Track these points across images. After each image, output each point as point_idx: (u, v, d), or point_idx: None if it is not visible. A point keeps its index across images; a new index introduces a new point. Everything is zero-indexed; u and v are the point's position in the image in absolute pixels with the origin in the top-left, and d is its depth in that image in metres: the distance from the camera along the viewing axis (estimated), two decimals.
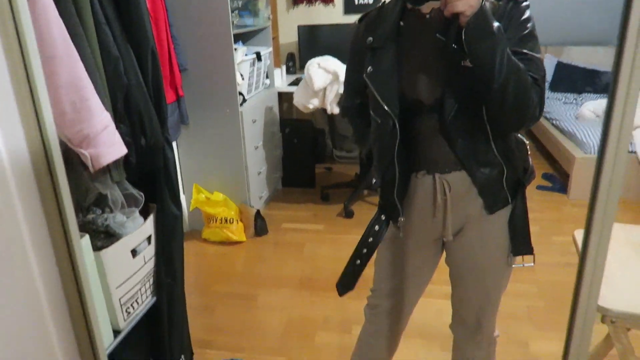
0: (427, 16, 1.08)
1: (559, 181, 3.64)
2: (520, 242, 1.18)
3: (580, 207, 3.26)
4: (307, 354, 1.96)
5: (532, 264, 1.22)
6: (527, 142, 1.20)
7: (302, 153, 3.65)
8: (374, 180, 1.25)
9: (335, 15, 3.98)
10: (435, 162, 1.14)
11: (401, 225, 1.20)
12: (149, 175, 1.50)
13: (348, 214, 3.22)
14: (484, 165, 1.11)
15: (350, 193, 3.37)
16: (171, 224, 1.52)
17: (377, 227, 1.24)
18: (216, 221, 2.86)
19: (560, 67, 4.75)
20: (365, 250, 1.25)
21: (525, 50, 1.01)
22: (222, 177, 2.94)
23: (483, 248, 1.20)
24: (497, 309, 1.32)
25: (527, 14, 1.03)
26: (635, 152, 3.21)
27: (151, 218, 1.49)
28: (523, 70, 0.97)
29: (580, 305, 0.73)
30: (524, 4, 1.04)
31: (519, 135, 1.17)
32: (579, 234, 1.35)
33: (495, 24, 0.95)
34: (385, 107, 1.10)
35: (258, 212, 2.99)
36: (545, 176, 3.78)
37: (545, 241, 2.81)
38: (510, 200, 1.16)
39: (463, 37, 0.95)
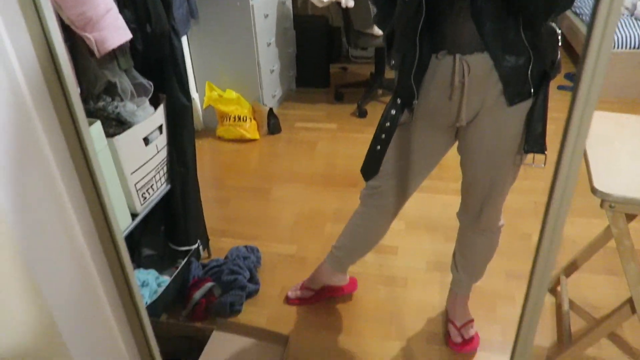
0: None
1: None
2: (534, 140, 1.15)
3: (601, 104, 3.17)
4: (316, 242, 2.07)
5: (543, 166, 1.17)
6: (559, 31, 1.11)
7: (317, 52, 3.55)
8: (392, 62, 1.20)
9: None
10: (459, 41, 1.08)
11: (415, 107, 1.19)
12: (158, 66, 1.50)
13: (361, 113, 3.20)
14: (510, 53, 1.06)
15: (364, 92, 3.33)
16: (181, 114, 1.55)
17: (393, 111, 1.23)
18: (230, 119, 2.88)
19: None
20: (383, 136, 1.25)
21: None
22: (234, 75, 2.91)
23: (495, 138, 1.18)
24: (503, 201, 1.35)
25: None
26: None
27: (161, 108, 1.51)
28: None
29: (560, 176, 0.72)
30: None
31: (552, 23, 1.10)
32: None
33: None
34: None
35: (271, 110, 2.99)
36: (568, 76, 3.65)
37: (559, 140, 2.78)
38: (532, 94, 1.11)
39: None
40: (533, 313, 0.87)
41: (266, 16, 2.93)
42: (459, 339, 1.56)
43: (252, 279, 1.81)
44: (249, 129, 2.90)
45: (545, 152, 1.16)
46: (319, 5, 2.99)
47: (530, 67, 1.07)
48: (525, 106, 1.13)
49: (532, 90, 1.10)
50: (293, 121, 3.16)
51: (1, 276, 0.75)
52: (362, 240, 1.55)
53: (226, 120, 2.88)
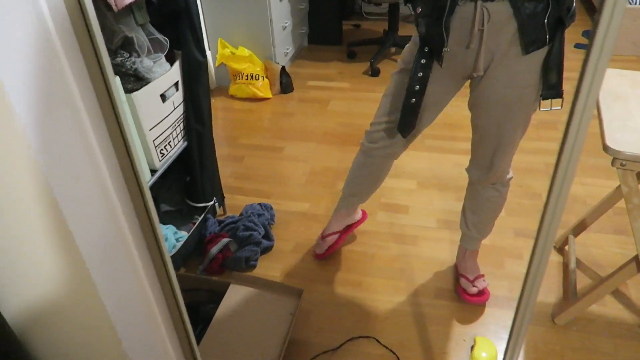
0: None
1: None
2: (551, 86, 1.17)
3: (618, 62, 3.12)
4: (328, 200, 2.11)
5: (560, 107, 1.18)
6: None
7: (329, 8, 3.49)
8: (418, 9, 1.18)
9: None
10: None
11: (445, 55, 1.18)
12: (173, 21, 1.50)
13: (374, 72, 3.18)
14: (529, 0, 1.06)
15: (377, 51, 3.29)
16: (196, 70, 1.56)
17: (423, 61, 1.21)
18: (242, 77, 2.87)
19: None
20: (417, 87, 1.24)
21: None
22: (246, 31, 2.88)
23: (510, 87, 1.19)
24: (513, 152, 1.36)
25: None
26: None
27: (177, 64, 1.52)
28: None
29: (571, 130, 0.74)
30: None
31: None
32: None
33: None
34: None
35: (283, 68, 2.97)
36: (585, 34, 3.57)
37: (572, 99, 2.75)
38: (547, 42, 1.12)
39: None
40: (538, 268, 0.90)
41: None
42: (473, 290, 1.61)
43: (267, 235, 1.86)
44: (262, 88, 2.90)
45: (562, 96, 1.16)
46: None
47: (548, 13, 1.07)
48: (540, 55, 1.13)
49: (547, 37, 1.10)
50: (305, 80, 3.15)
51: (36, 224, 0.79)
52: (373, 183, 1.62)
53: (239, 78, 2.88)
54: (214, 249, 1.75)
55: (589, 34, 3.49)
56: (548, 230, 0.84)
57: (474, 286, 1.61)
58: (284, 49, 3.12)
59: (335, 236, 1.80)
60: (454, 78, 1.26)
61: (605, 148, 1.11)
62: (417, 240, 1.88)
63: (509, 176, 1.44)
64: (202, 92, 1.61)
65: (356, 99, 2.92)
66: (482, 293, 1.61)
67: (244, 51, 2.87)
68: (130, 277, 0.84)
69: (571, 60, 3.34)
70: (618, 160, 1.11)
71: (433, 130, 2.48)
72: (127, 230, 0.79)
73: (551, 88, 1.17)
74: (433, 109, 1.34)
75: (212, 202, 1.88)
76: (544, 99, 1.19)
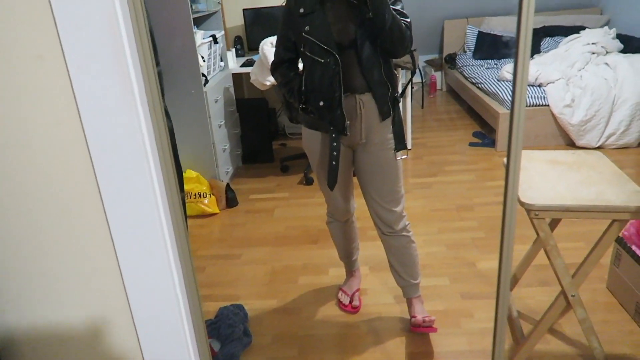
0: None
1: (488, 137, 4.14)
2: (399, 140, 1.78)
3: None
4: (294, 293, 2.28)
5: (407, 156, 1.81)
6: (398, 75, 1.68)
7: (260, 130, 3.91)
8: (320, 103, 1.69)
9: None
10: (355, 86, 1.69)
11: (347, 127, 1.70)
12: None
13: (308, 181, 3.54)
14: (380, 86, 1.69)
15: (308, 163, 3.68)
16: None
17: (334, 143, 1.73)
18: (190, 197, 3.08)
19: (481, 36, 5.26)
20: (334, 157, 1.75)
21: (397, 7, 1.64)
22: (193, 155, 3.16)
23: (379, 145, 1.76)
24: (398, 201, 1.83)
25: None
26: (548, 105, 3.75)
27: None
28: (398, 18, 1.59)
29: (508, 197, 1.07)
30: None
31: (394, 69, 1.79)
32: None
33: None
34: (328, 49, 1.62)
35: (228, 185, 3.24)
36: (476, 134, 4.27)
37: (481, 186, 3.27)
38: (391, 112, 1.75)
39: (369, 2, 1.53)
40: (501, 323, 1.18)
41: (216, 101, 3.26)
42: (422, 322, 1.88)
43: (245, 332, 1.97)
44: (209, 204, 3.11)
45: (407, 148, 1.80)
46: (262, 88, 3.38)
47: (389, 94, 1.72)
48: (388, 122, 1.76)
49: (391, 110, 1.75)
50: (247, 194, 3.42)
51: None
52: (347, 244, 2.15)
53: (187, 197, 3.08)
54: None
55: (479, 134, 4.14)
56: (504, 294, 1.12)
57: (423, 321, 1.88)
58: (225, 168, 3.42)
59: (358, 293, 2.22)
60: (349, 146, 1.81)
61: (522, 203, 1.47)
62: (381, 315, 2.09)
63: (402, 225, 1.87)
64: None
65: (298, 205, 3.22)
66: (432, 323, 1.89)
67: (191, 173, 3.12)
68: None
69: (469, 155, 3.95)
70: (532, 211, 1.46)
71: (371, 222, 2.81)
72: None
73: (400, 142, 1.78)
74: (348, 174, 1.91)
75: None
76: (397, 151, 1.78)
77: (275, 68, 1.85)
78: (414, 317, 1.93)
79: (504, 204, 1.10)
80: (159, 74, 1.66)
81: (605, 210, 1.41)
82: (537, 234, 1.57)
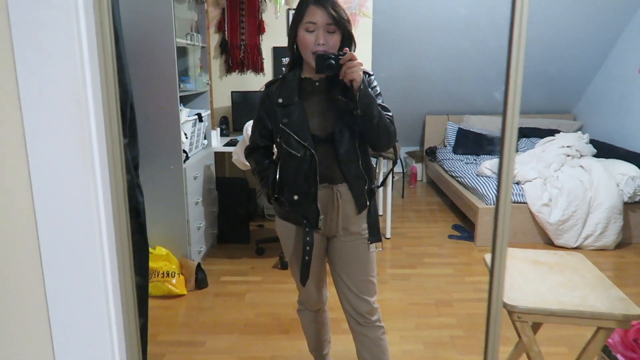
0: (317, 83, 1.65)
1: (467, 231, 4.13)
2: (373, 232, 1.74)
3: (485, 252, 3.72)
4: None
5: (381, 249, 1.75)
6: (379, 159, 1.69)
7: (238, 210, 3.83)
8: (295, 197, 1.66)
9: (265, 82, 4.34)
10: (332, 177, 1.66)
11: (321, 222, 1.67)
12: None
13: (284, 265, 3.42)
14: (357, 180, 1.67)
15: None
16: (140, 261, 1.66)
17: (307, 238, 1.68)
18: (158, 275, 2.93)
19: (461, 132, 5.44)
20: (307, 252, 1.69)
21: (380, 102, 1.62)
22: (164, 232, 3.04)
23: (356, 237, 1.72)
24: (371, 291, 1.78)
25: (374, 82, 1.68)
26: (526, 203, 3.78)
27: None
28: (384, 114, 1.59)
29: (493, 299, 1.00)
30: (372, 76, 1.68)
31: (373, 159, 1.81)
32: (489, 257, 1.69)
33: (369, 90, 1.56)
34: (304, 143, 1.61)
35: (199, 265, 3.10)
36: (455, 227, 4.26)
37: (460, 281, 3.18)
38: (367, 204, 1.71)
39: (357, 99, 1.52)
40: None
41: (195, 178, 3.21)
42: None
43: None
44: (177, 284, 2.95)
45: (382, 241, 1.75)
46: (243, 168, 3.36)
47: (366, 187, 1.69)
48: (364, 214, 1.72)
49: (367, 201, 1.71)
50: (218, 275, 3.27)
51: None
52: (317, 336, 2.05)
53: (154, 276, 2.92)
54: None
55: (457, 227, 4.16)
56: None
57: None
58: (198, 247, 3.29)
59: None
60: (321, 241, 1.76)
61: (504, 305, 1.40)
62: None
63: (376, 317, 1.80)
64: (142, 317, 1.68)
65: (271, 290, 3.07)
66: None
67: (161, 250, 2.99)
68: None
69: (447, 248, 3.90)
70: (515, 313, 1.38)
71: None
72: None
73: (374, 234, 1.74)
74: (321, 264, 1.84)
75: None
76: (370, 243, 1.73)
77: (249, 153, 1.83)
78: None
79: (488, 307, 1.02)
80: (134, 149, 1.62)
81: (591, 317, 1.34)
82: (519, 337, 1.48)
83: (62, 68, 0.75)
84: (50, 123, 0.76)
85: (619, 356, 1.85)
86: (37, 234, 0.81)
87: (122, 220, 0.81)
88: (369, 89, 1.57)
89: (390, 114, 1.65)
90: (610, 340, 1.91)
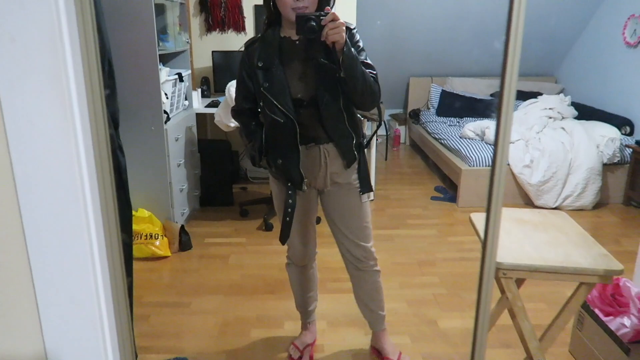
0: (297, 42, 1.60)
1: (449, 192, 4.17)
2: (364, 184, 1.77)
3: (467, 213, 3.77)
4: (245, 348, 2.12)
5: (373, 198, 1.78)
6: (362, 119, 1.67)
7: (220, 172, 3.79)
8: (278, 161, 1.69)
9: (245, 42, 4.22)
10: (317, 137, 1.66)
11: (305, 184, 1.71)
12: None
13: (268, 226, 3.41)
14: (344, 138, 1.68)
15: (269, 208, 3.57)
16: (124, 223, 1.63)
17: (290, 201, 1.71)
18: (141, 237, 2.90)
19: (444, 94, 5.42)
20: (289, 211, 1.72)
21: (362, 59, 1.58)
22: (147, 194, 3.00)
23: (345, 189, 1.76)
24: (366, 237, 1.83)
25: (357, 36, 1.63)
26: (508, 164, 3.82)
27: None
28: (368, 74, 1.57)
29: (486, 260, 1.00)
30: (354, 30, 1.63)
31: (359, 115, 1.79)
32: (475, 216, 1.71)
33: (353, 50, 1.51)
34: (284, 110, 1.59)
35: (182, 227, 3.07)
36: (437, 189, 4.29)
37: (442, 242, 3.23)
38: (356, 158, 1.73)
39: (341, 61, 1.49)
40: None
41: (177, 139, 3.14)
42: None
43: None
44: (161, 247, 2.93)
45: (373, 190, 1.75)
46: (226, 129, 3.30)
47: (354, 143, 1.70)
48: (355, 166, 1.75)
49: (356, 155, 1.73)
50: (202, 237, 3.26)
51: None
52: (303, 292, 2.06)
53: (137, 238, 2.89)
54: None
55: (440, 189, 4.20)
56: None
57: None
58: (181, 209, 3.26)
59: (310, 348, 2.09)
60: (314, 196, 1.82)
61: None
62: None
63: (372, 262, 1.87)
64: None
65: (255, 252, 3.08)
66: None
67: (143, 212, 2.95)
68: None
69: (430, 210, 3.94)
70: (500, 270, 1.40)
71: (332, 274, 2.70)
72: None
73: (365, 185, 1.77)
74: (310, 218, 1.88)
75: None
76: (363, 193, 1.77)
77: (236, 114, 1.82)
78: (388, 358, 1.98)
79: (481, 268, 1.03)
80: (113, 104, 1.56)
81: (574, 273, 1.37)
82: (503, 293, 1.51)
83: (35, 12, 0.70)
84: (25, 72, 0.71)
85: (597, 310, 1.91)
86: (17, 194, 0.77)
87: (106, 175, 0.78)
88: (353, 50, 1.52)
89: (374, 72, 1.62)
90: (588, 296, 1.97)
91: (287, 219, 1.72)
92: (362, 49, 1.63)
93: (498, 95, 0.94)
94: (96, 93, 0.75)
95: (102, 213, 0.81)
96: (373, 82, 1.60)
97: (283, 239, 1.77)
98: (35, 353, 0.86)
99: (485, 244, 1.01)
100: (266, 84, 1.61)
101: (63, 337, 0.85)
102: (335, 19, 1.46)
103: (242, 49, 1.72)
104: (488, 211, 1.00)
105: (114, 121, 1.56)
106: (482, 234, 1.50)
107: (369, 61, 1.62)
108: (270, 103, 1.61)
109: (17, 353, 0.86)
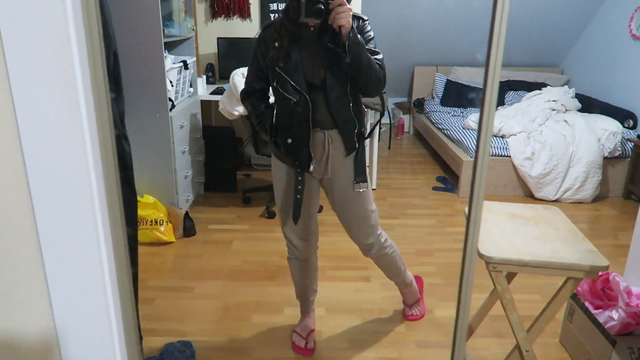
0: (312, 28, 1.67)
1: (451, 182, 4.21)
2: (359, 174, 1.82)
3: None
4: (245, 332, 2.19)
5: (366, 189, 1.86)
6: (366, 110, 1.73)
7: (224, 159, 3.84)
8: (289, 140, 1.74)
9: (252, 28, 4.24)
10: (324, 122, 1.73)
11: (312, 165, 1.77)
12: None
13: (270, 214, 3.47)
14: (347, 124, 1.75)
15: (271, 196, 3.62)
16: (129, 214, 1.68)
17: (300, 178, 1.79)
18: (146, 223, 2.96)
19: (449, 84, 5.42)
20: (299, 191, 1.80)
21: (370, 47, 1.67)
22: (152, 180, 3.06)
23: (345, 177, 1.83)
24: (375, 222, 1.93)
25: (368, 27, 1.71)
26: (509, 156, 3.85)
27: None
28: (373, 60, 1.64)
29: (468, 249, 1.05)
30: (366, 21, 1.71)
31: (363, 106, 1.86)
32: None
33: (359, 36, 1.59)
34: (299, 88, 1.66)
35: (187, 213, 3.14)
36: (439, 179, 4.33)
37: (441, 232, 3.28)
38: (356, 147, 1.80)
39: (347, 46, 1.56)
40: None
41: (181, 126, 3.19)
42: (408, 312, 2.28)
43: None
44: (165, 232, 3.00)
45: (367, 181, 1.86)
46: (230, 117, 3.34)
47: (356, 130, 1.78)
48: (353, 155, 1.81)
49: (356, 144, 1.80)
50: (206, 223, 3.32)
51: None
52: (303, 281, 2.11)
53: (142, 224, 2.96)
54: None
55: (442, 179, 4.22)
56: (460, 344, 1.09)
57: (410, 310, 2.28)
58: (185, 196, 3.32)
59: (312, 334, 2.14)
60: (313, 182, 1.87)
61: (480, 255, 1.46)
62: None
63: (382, 240, 1.99)
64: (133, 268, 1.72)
65: (257, 239, 3.14)
66: (419, 314, 2.29)
67: (148, 198, 3.01)
68: None
69: (431, 199, 3.98)
70: (490, 264, 1.45)
71: (332, 262, 2.76)
72: None
73: (360, 175, 1.83)
74: (312, 207, 1.93)
75: None
76: (357, 183, 1.83)
77: (245, 97, 1.87)
78: (405, 304, 2.32)
79: (463, 257, 1.08)
80: (121, 104, 1.60)
81: (561, 268, 1.42)
82: (495, 285, 1.56)
83: (46, 20, 0.74)
84: (36, 77, 0.76)
85: (586, 303, 1.96)
86: (29, 190, 0.82)
87: (111, 174, 0.83)
88: (359, 36, 1.59)
89: (380, 56, 1.68)
90: (579, 288, 2.02)
91: (298, 196, 1.79)
92: (372, 38, 1.71)
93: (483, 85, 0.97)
94: (102, 93, 0.79)
95: (107, 199, 0.86)
96: (378, 69, 1.66)
97: (296, 216, 1.82)
98: (46, 330, 0.92)
99: (467, 232, 1.06)
100: (281, 63, 1.67)
101: (72, 316, 0.91)
102: (342, 3, 1.54)
103: (258, 34, 1.78)
104: (470, 199, 1.05)
105: (120, 115, 1.61)
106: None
107: (376, 49, 1.70)
108: (285, 81, 1.67)
109: (30, 331, 0.92)
